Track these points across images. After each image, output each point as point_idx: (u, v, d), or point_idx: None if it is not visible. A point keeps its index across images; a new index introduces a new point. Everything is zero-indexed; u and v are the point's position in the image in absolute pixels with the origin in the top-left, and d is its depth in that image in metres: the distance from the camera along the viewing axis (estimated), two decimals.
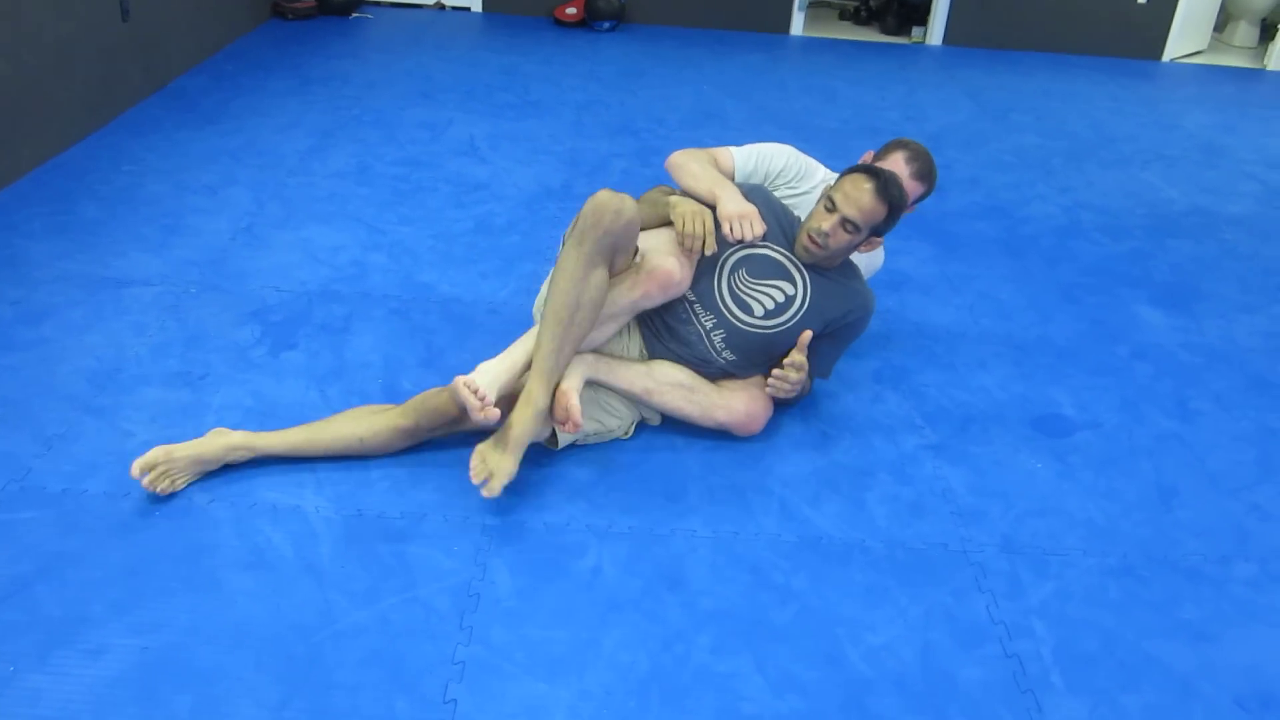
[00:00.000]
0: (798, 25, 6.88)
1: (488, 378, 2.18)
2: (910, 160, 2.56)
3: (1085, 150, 4.90)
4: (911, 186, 2.55)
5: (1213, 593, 2.12)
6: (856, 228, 2.30)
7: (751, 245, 2.40)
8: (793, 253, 2.42)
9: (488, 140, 4.37)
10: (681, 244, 2.27)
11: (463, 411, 2.18)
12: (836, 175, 2.71)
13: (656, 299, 2.30)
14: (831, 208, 2.30)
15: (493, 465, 2.11)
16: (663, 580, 2.04)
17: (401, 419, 2.22)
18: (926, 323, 3.11)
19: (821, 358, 2.49)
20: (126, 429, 2.33)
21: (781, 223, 2.45)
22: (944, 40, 6.91)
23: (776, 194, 2.65)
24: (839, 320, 2.45)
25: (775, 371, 2.36)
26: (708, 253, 2.28)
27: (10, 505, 2.08)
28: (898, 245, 3.61)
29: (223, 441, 2.18)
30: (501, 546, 2.09)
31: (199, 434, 2.30)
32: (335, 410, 2.40)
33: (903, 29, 7.16)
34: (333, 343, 2.74)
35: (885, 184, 2.29)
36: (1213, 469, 2.52)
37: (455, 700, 1.74)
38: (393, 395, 2.51)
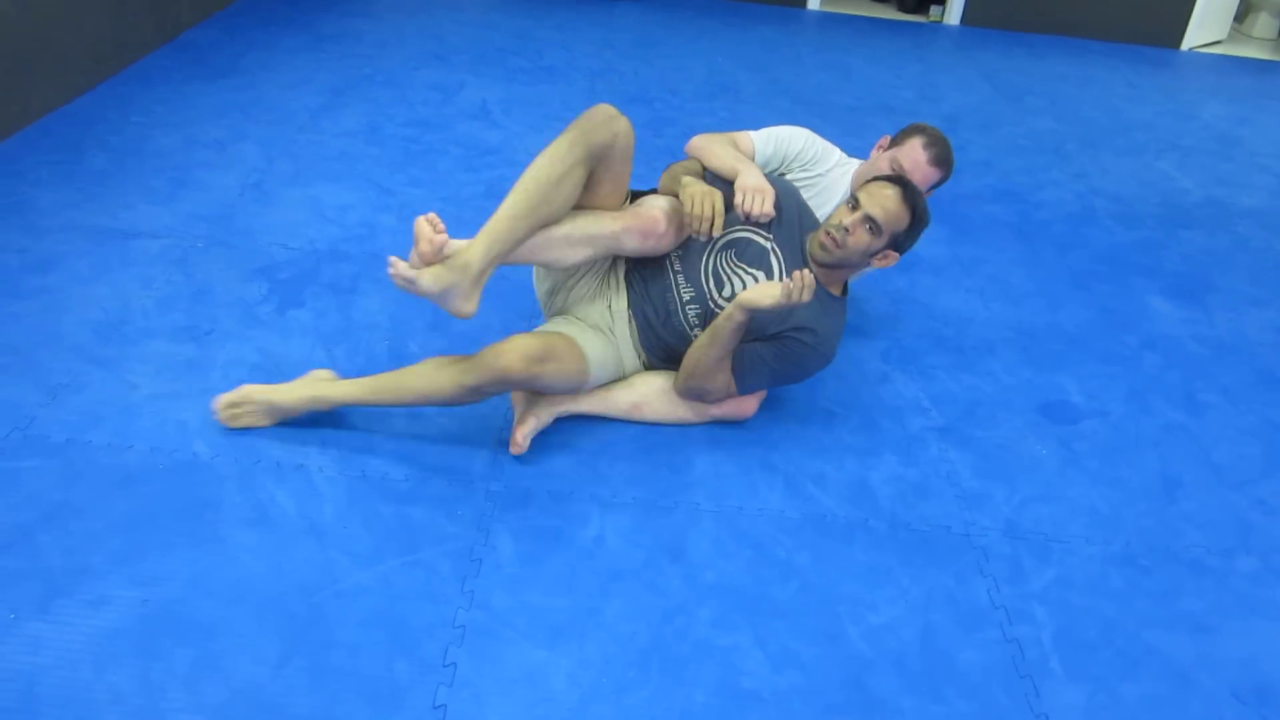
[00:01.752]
0: (815, 0, 6.82)
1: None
2: (928, 146, 2.53)
3: (1100, 137, 4.87)
4: (929, 173, 2.53)
5: (1214, 585, 2.12)
6: (879, 229, 2.22)
7: (751, 229, 2.35)
8: (798, 253, 2.34)
9: (500, 104, 4.33)
10: (689, 224, 2.24)
11: (535, 376, 2.13)
12: (852, 159, 2.69)
13: (634, 242, 2.24)
14: (855, 206, 2.24)
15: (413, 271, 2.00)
16: (665, 552, 2.03)
17: (465, 377, 2.13)
18: (936, 305, 3.10)
19: (746, 357, 2.30)
20: (131, 381, 2.32)
21: (801, 222, 2.38)
22: (962, 20, 6.85)
23: (793, 175, 2.63)
24: (787, 328, 2.28)
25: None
26: (715, 234, 2.24)
27: (13, 453, 2.08)
28: None
29: (304, 395, 2.21)
30: (505, 512, 2.08)
31: (204, 390, 2.30)
32: (343, 368, 2.40)
33: (921, 7, 7.10)
34: (340, 302, 2.72)
35: (910, 192, 2.25)
36: (1218, 462, 2.51)
37: (455, 664, 1.74)
38: (399, 358, 2.50)
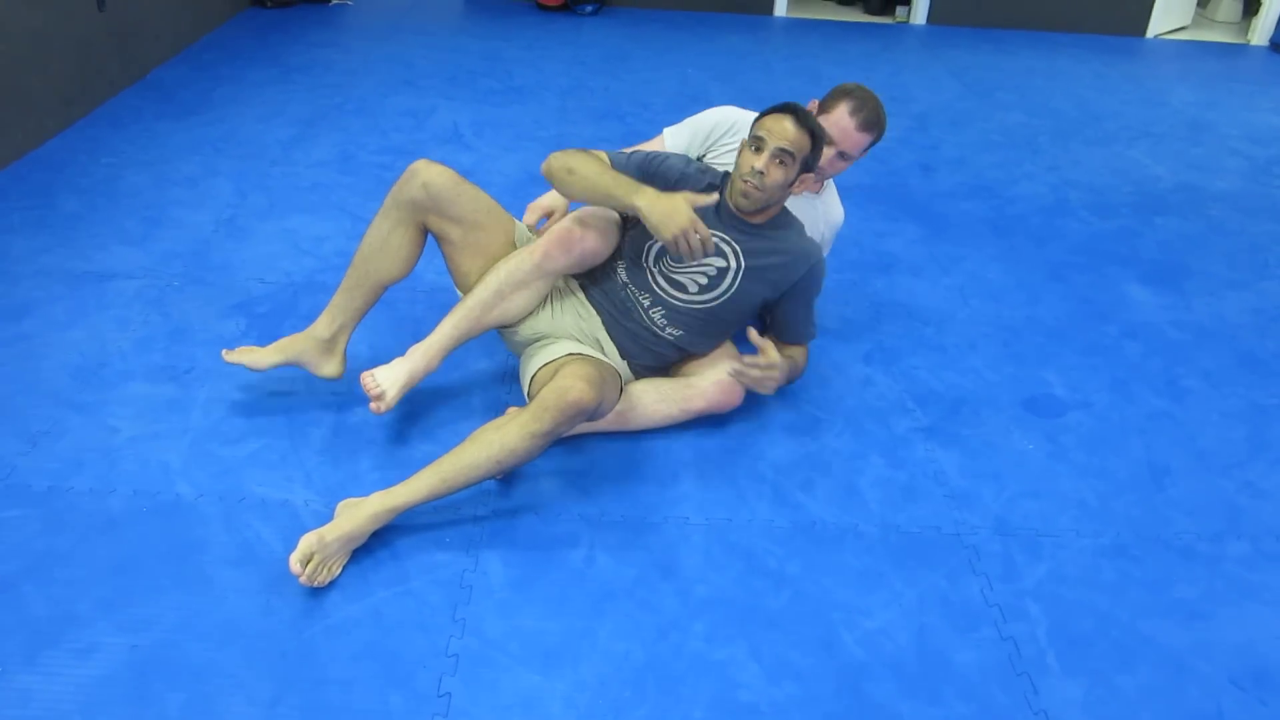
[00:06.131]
0: (782, 7, 6.85)
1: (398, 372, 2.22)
2: (855, 111, 2.48)
3: (1071, 128, 4.89)
4: (858, 139, 2.49)
5: (1206, 571, 2.12)
6: (791, 157, 2.21)
7: None
8: (730, 217, 2.32)
9: (472, 127, 4.33)
10: (685, 257, 2.15)
11: (600, 401, 2.09)
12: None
13: (559, 259, 2.23)
14: (759, 146, 2.22)
15: (252, 350, 2.35)
16: (656, 569, 2.03)
17: (534, 425, 2.02)
18: (916, 304, 3.10)
19: (792, 323, 2.46)
20: (112, 425, 2.30)
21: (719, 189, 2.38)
22: (928, 19, 6.89)
23: (723, 145, 2.63)
24: (786, 281, 2.38)
25: (736, 367, 2.26)
26: (709, 252, 2.17)
27: None
28: (885, 226, 3.60)
29: (366, 514, 1.96)
30: (493, 537, 2.07)
31: (185, 429, 2.30)
32: (324, 400, 2.39)
33: (887, 9, 7.14)
34: None
35: (802, 115, 2.24)
36: (1203, 447, 2.52)
37: (450, 694, 1.73)
38: None
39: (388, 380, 2.16)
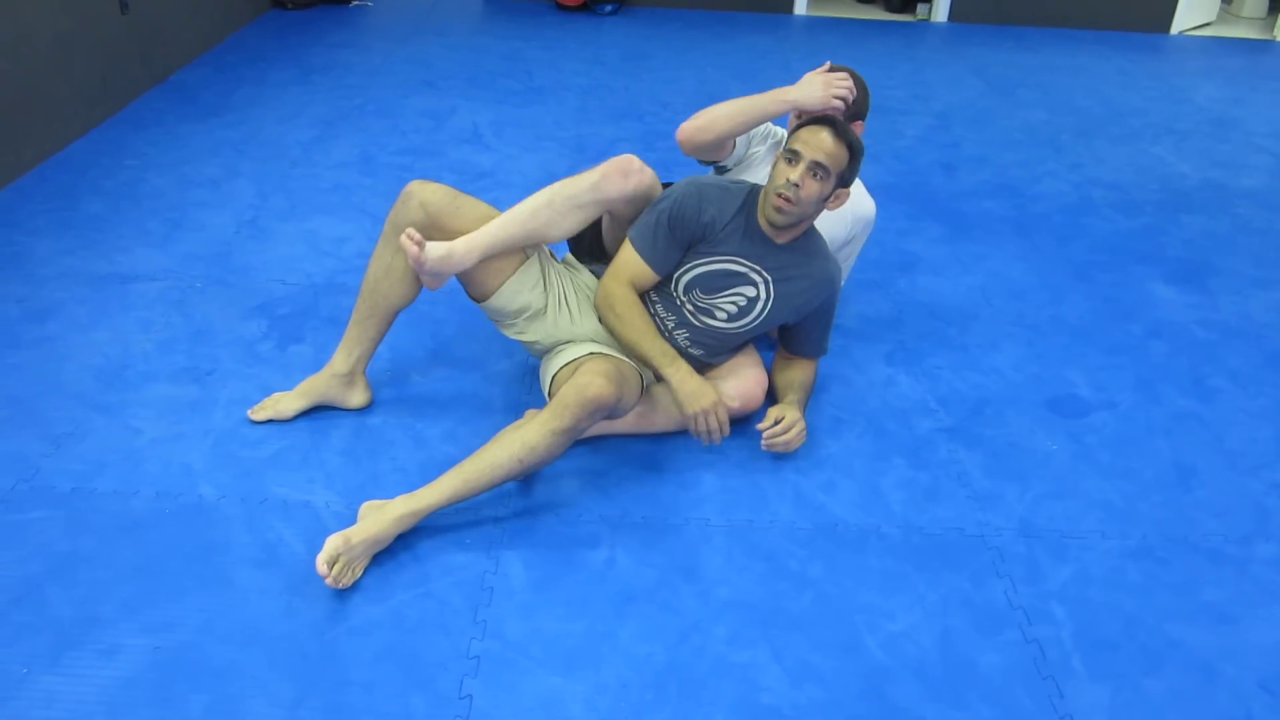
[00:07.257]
0: (802, 5, 6.82)
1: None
2: None
3: (1094, 125, 4.85)
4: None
5: (1234, 573, 2.09)
6: (826, 172, 2.16)
7: (718, 259, 2.28)
8: (759, 244, 2.27)
9: (492, 127, 4.34)
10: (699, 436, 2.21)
11: (620, 397, 2.11)
12: (783, 128, 2.65)
13: (617, 183, 2.20)
14: (794, 158, 2.17)
15: (276, 401, 2.38)
16: (677, 570, 2.02)
17: (555, 423, 2.03)
18: (938, 304, 3.08)
19: (808, 340, 2.45)
20: (135, 426, 2.32)
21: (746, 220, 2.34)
22: (949, 17, 6.85)
23: (753, 149, 2.61)
24: (808, 305, 2.37)
25: (766, 443, 2.28)
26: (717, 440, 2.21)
27: (19, 505, 2.07)
28: (907, 225, 3.58)
29: (390, 517, 1.98)
30: (514, 539, 2.07)
31: (208, 431, 2.31)
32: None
33: (908, 6, 7.10)
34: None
35: (840, 128, 2.18)
36: (1231, 447, 2.49)
37: (471, 695, 1.72)
38: (402, 387, 2.50)
39: (430, 245, 2.12)
